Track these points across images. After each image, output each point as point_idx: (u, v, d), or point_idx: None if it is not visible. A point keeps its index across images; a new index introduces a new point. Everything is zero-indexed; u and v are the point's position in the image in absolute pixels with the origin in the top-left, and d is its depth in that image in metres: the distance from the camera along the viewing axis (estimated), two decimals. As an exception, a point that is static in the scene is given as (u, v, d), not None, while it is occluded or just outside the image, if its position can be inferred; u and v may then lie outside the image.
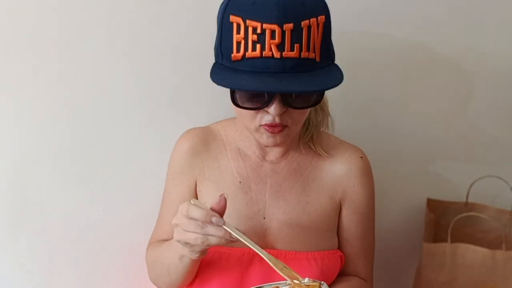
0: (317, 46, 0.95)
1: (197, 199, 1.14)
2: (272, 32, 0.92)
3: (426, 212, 1.47)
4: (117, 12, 1.27)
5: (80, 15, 1.25)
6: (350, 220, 1.16)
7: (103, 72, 1.29)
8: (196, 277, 1.11)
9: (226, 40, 0.96)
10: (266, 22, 0.92)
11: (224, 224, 0.93)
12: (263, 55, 0.93)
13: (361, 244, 1.17)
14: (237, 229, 0.94)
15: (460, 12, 1.44)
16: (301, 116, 1.03)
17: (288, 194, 1.12)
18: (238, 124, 1.14)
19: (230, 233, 0.93)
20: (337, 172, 1.14)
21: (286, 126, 1.01)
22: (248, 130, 1.05)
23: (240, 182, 1.12)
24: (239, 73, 0.94)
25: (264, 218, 1.11)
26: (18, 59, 1.24)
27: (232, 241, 0.94)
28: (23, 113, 1.27)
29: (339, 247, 1.17)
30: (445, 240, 1.40)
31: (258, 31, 0.92)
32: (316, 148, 1.14)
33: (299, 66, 0.94)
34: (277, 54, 0.93)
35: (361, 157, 1.16)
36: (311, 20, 0.94)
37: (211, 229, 0.93)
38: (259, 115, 1.00)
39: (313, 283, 0.96)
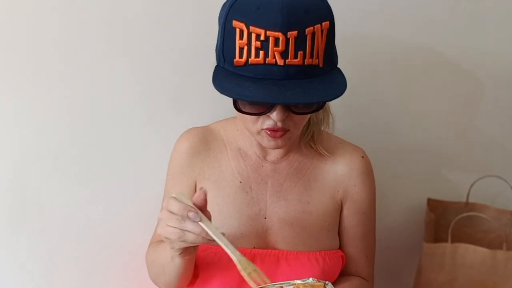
0: (321, 52, 0.95)
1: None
2: (276, 40, 0.91)
3: (426, 212, 1.47)
4: (117, 12, 1.27)
5: (80, 15, 1.25)
6: (351, 220, 1.16)
7: (103, 72, 1.29)
8: (197, 277, 1.11)
9: (228, 45, 0.95)
10: (270, 30, 0.91)
11: (200, 221, 0.91)
12: (266, 62, 0.92)
13: (362, 244, 1.17)
14: (215, 228, 0.92)
15: (460, 12, 1.44)
16: (302, 120, 1.03)
17: (289, 194, 1.12)
18: (239, 124, 1.13)
19: (206, 231, 0.91)
20: (338, 172, 1.14)
21: (288, 130, 1.01)
22: (250, 132, 1.05)
23: (240, 182, 1.12)
24: (241, 79, 0.94)
25: (265, 218, 1.11)
26: (18, 59, 1.24)
27: (209, 240, 0.92)
28: (23, 113, 1.27)
29: (340, 247, 1.17)
30: (446, 240, 1.40)
31: (262, 38, 0.92)
32: (317, 148, 1.14)
33: (302, 73, 0.94)
34: (280, 62, 0.92)
35: (362, 157, 1.16)
36: (315, 27, 0.93)
37: (189, 225, 0.92)
38: (261, 119, 1.00)
39: (318, 283, 0.96)
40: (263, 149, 1.12)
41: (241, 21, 0.93)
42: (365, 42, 1.40)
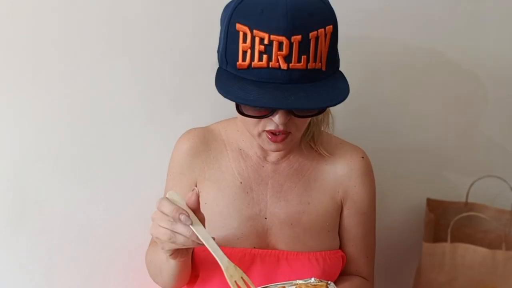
0: (324, 56, 0.95)
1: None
2: (280, 44, 0.91)
3: (426, 212, 1.47)
4: (117, 12, 1.27)
5: (80, 15, 1.25)
6: (351, 220, 1.16)
7: (103, 72, 1.29)
8: (197, 276, 1.12)
9: (231, 48, 0.95)
10: (274, 34, 0.91)
11: (191, 224, 0.91)
12: (270, 66, 0.92)
13: (363, 244, 1.18)
14: (206, 232, 0.92)
15: (460, 12, 1.44)
16: (304, 123, 1.03)
17: (289, 195, 1.12)
18: (239, 125, 1.13)
19: (196, 234, 0.91)
20: (339, 172, 1.14)
21: (290, 132, 1.01)
22: (250, 134, 1.05)
23: (241, 183, 1.12)
24: (244, 82, 0.93)
25: (266, 218, 1.11)
26: (18, 59, 1.24)
27: (199, 243, 0.92)
28: (23, 113, 1.27)
29: (341, 247, 1.17)
30: (445, 240, 1.40)
31: (266, 42, 0.91)
32: (317, 148, 1.14)
33: (305, 77, 0.94)
34: (284, 66, 0.92)
35: (363, 157, 1.16)
36: (319, 31, 0.93)
37: (179, 227, 0.91)
38: (262, 121, 1.00)
39: (320, 283, 0.96)
40: (264, 150, 1.12)
41: (245, 25, 0.92)
42: (365, 43, 1.40)
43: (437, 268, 1.39)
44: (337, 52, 1.00)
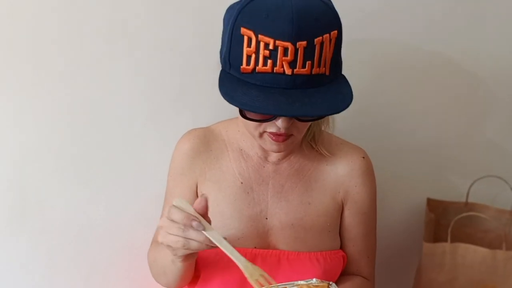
0: (328, 61, 0.95)
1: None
2: (285, 49, 0.91)
3: (426, 212, 1.47)
4: (117, 11, 1.26)
5: (80, 15, 1.25)
6: (352, 220, 1.16)
7: (103, 72, 1.28)
8: (198, 276, 1.12)
9: (235, 51, 0.95)
10: (279, 39, 0.90)
11: (204, 230, 0.92)
12: (274, 71, 0.92)
13: (363, 244, 1.18)
14: (219, 234, 0.93)
15: (460, 12, 1.44)
16: (306, 125, 1.03)
17: (290, 195, 1.12)
18: (240, 125, 1.13)
19: (210, 239, 0.92)
20: (339, 172, 1.14)
21: (291, 135, 1.01)
22: (251, 135, 1.05)
23: (241, 183, 1.12)
24: (248, 87, 0.93)
25: (267, 218, 1.11)
26: (18, 59, 1.24)
27: (212, 247, 0.92)
28: (23, 113, 1.27)
29: (341, 247, 1.17)
30: (445, 240, 1.40)
31: (271, 47, 0.91)
32: (318, 148, 1.14)
33: (309, 82, 0.93)
34: (288, 71, 0.92)
35: (363, 158, 1.16)
36: (324, 36, 0.93)
37: (192, 233, 0.92)
38: (264, 124, 1.00)
39: (322, 284, 0.96)
40: (265, 150, 1.12)
41: (250, 29, 0.92)
42: (365, 43, 1.40)
43: (437, 268, 1.39)
44: (340, 56, 1.00)
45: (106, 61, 1.28)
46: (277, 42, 0.90)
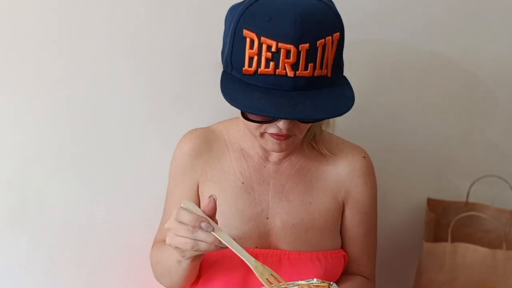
0: (330, 63, 0.95)
1: (199, 200, 1.13)
2: (287, 52, 0.91)
3: (426, 211, 1.47)
4: (118, 12, 1.26)
5: (80, 15, 1.25)
6: (353, 220, 1.16)
7: (103, 72, 1.28)
8: (200, 276, 1.12)
9: (237, 53, 0.94)
10: (282, 42, 0.90)
11: (213, 230, 0.92)
12: (276, 73, 0.92)
13: (364, 243, 1.18)
14: (228, 235, 0.93)
15: (460, 12, 1.44)
16: (306, 126, 1.03)
17: (291, 195, 1.12)
18: (241, 125, 1.13)
19: (219, 239, 0.92)
20: (340, 172, 1.14)
21: (292, 135, 1.01)
22: (252, 135, 1.05)
23: (243, 183, 1.12)
24: (250, 89, 0.93)
25: (268, 218, 1.11)
26: (18, 59, 1.24)
27: (221, 247, 0.93)
28: (23, 113, 1.27)
29: (342, 247, 1.17)
30: (446, 240, 1.40)
31: (273, 49, 0.91)
32: (319, 148, 1.14)
33: (311, 84, 0.93)
34: (290, 73, 0.92)
35: (364, 157, 1.16)
36: (327, 39, 0.93)
37: (201, 235, 0.92)
38: (265, 124, 1.00)
39: (322, 284, 0.96)
40: (266, 150, 1.12)
41: (252, 31, 0.92)
42: (365, 43, 1.40)
43: (438, 268, 1.39)
44: (342, 58, 1.00)
45: (106, 61, 1.28)
46: (280, 44, 0.90)
